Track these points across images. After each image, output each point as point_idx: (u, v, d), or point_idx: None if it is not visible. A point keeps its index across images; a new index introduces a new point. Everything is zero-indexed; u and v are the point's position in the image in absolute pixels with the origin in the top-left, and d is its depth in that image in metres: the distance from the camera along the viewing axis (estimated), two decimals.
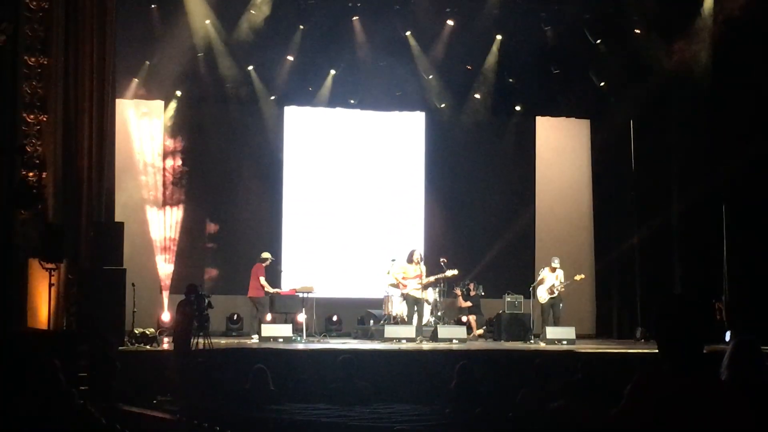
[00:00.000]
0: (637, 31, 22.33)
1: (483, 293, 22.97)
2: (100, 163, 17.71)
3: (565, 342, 20.10)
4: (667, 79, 22.01)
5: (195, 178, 23.67)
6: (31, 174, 16.62)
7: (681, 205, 22.57)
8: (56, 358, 9.65)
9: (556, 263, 21.22)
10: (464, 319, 22.51)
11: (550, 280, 21.05)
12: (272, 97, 24.17)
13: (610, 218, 25.16)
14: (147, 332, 18.03)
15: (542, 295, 21.06)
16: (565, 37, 22.96)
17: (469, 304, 22.69)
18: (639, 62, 22.54)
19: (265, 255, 20.88)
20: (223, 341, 19.22)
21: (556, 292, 20.93)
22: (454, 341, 19.86)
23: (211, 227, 23.77)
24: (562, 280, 20.99)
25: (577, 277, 21.25)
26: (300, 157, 24.98)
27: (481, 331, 22.45)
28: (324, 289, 22.01)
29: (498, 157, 25.43)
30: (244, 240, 23.40)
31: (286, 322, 20.78)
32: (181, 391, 13.95)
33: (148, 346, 17.51)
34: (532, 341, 20.75)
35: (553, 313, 21.00)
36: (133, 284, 18.28)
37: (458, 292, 22.85)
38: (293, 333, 19.88)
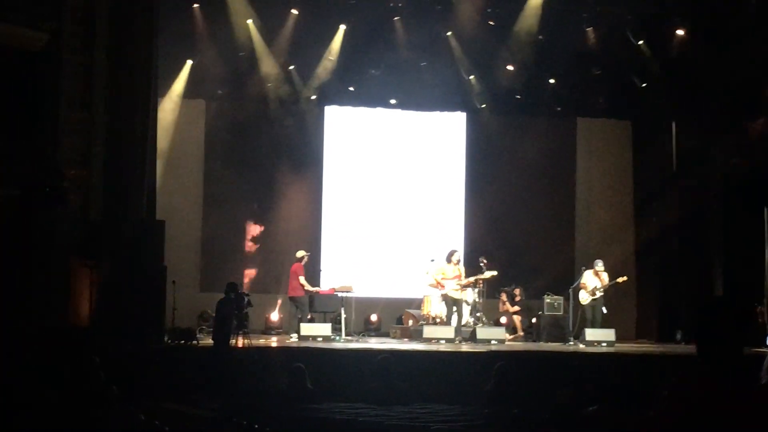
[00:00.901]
0: (679, 32, 22.18)
1: (523, 297, 22.91)
2: (142, 162, 17.83)
3: (604, 344, 19.97)
4: (709, 81, 21.87)
5: (236, 177, 23.75)
6: (73, 172, 16.76)
7: (723, 207, 22.37)
8: (96, 355, 9.73)
9: (599, 266, 21.06)
10: (503, 320, 22.44)
11: (592, 283, 20.92)
12: (313, 97, 24.22)
13: (651, 220, 24.97)
14: (187, 330, 18.13)
15: (584, 296, 20.95)
16: (606, 37, 22.84)
17: (517, 308, 22.62)
18: (681, 63, 22.38)
19: (300, 253, 20.83)
20: (262, 340, 19.32)
21: (598, 294, 20.81)
22: (493, 342, 19.81)
23: (252, 226, 23.86)
24: (607, 281, 20.87)
25: (620, 280, 21.10)
26: (340, 157, 25.04)
27: (521, 333, 22.39)
28: (363, 289, 22.05)
29: (538, 158, 25.27)
30: (284, 239, 23.45)
31: (325, 321, 20.82)
32: (219, 389, 14.00)
33: (187, 344, 17.60)
34: (571, 343, 20.64)
35: (593, 315, 20.87)
36: (173, 282, 18.39)
37: (504, 297, 22.80)
38: (332, 332, 19.92)
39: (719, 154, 22.43)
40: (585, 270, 21.28)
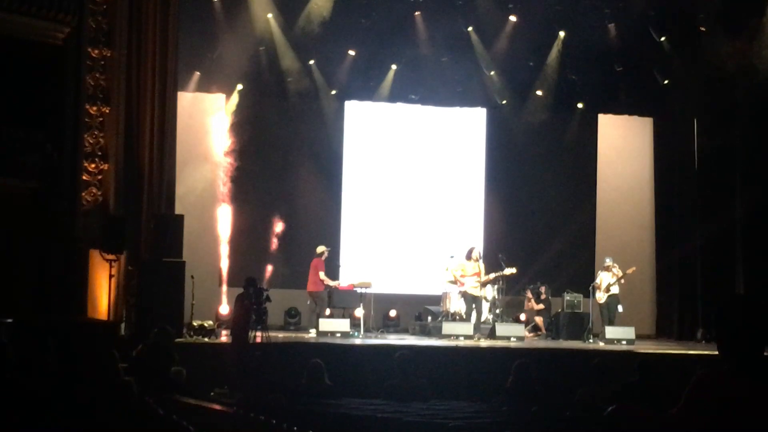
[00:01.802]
0: (702, 28, 22.06)
1: (549, 295, 22.77)
2: (161, 156, 17.87)
3: (624, 342, 19.93)
4: (732, 78, 21.75)
5: (255, 171, 23.72)
6: (92, 166, 16.83)
7: (744, 204, 22.23)
8: (115, 349, 9.72)
9: (609, 262, 21.15)
10: (522, 317, 22.36)
11: (606, 280, 20.93)
12: (333, 92, 24.19)
13: (671, 217, 24.88)
14: (205, 324, 18.16)
15: (599, 295, 20.96)
16: (628, 34, 22.76)
17: (541, 306, 22.50)
18: (703, 60, 22.25)
19: (320, 249, 20.86)
20: (280, 335, 19.31)
21: (612, 290, 20.80)
22: (512, 339, 19.77)
23: (271, 221, 23.76)
24: (619, 275, 20.85)
25: (629, 270, 21.06)
26: (360, 152, 25.00)
27: (543, 331, 22.30)
28: (382, 285, 22.04)
29: (559, 155, 25.24)
30: (303, 234, 23.38)
31: (343, 317, 20.77)
32: (238, 384, 13.99)
33: (206, 339, 17.64)
34: (590, 340, 20.60)
35: (609, 312, 20.85)
36: (192, 276, 18.39)
37: (529, 295, 22.72)
38: (351, 328, 19.88)
39: (740, 151, 22.31)
40: (600, 271, 21.37)
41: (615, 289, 20.89)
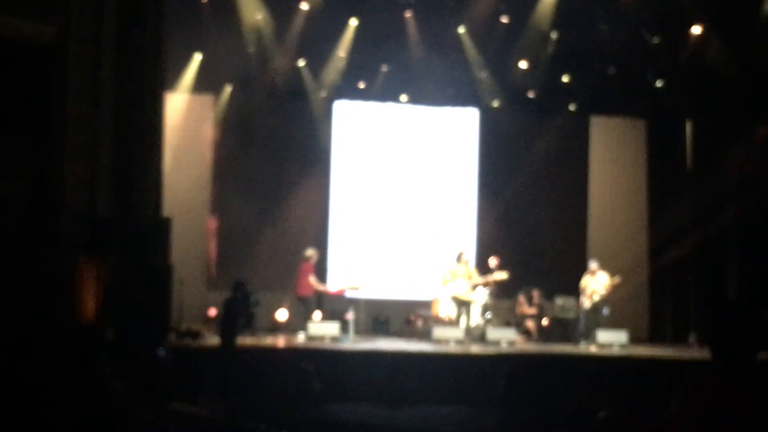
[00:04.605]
0: (695, 30, 22.01)
1: (541, 299, 22.67)
2: (149, 158, 17.76)
3: (616, 346, 19.87)
4: (726, 80, 21.72)
5: (244, 172, 23.69)
6: (79, 168, 16.69)
7: (739, 208, 22.20)
8: (102, 354, 9.59)
9: (594, 266, 21.10)
10: (513, 321, 22.31)
11: (591, 285, 20.88)
12: (323, 93, 24.13)
13: (665, 220, 24.79)
14: (193, 329, 18.07)
15: (583, 300, 20.92)
16: (621, 35, 22.67)
17: (533, 311, 22.40)
18: (697, 62, 22.21)
19: (310, 252, 20.73)
20: (269, 339, 19.22)
21: (597, 298, 20.75)
22: (503, 343, 19.70)
23: (260, 224, 23.72)
24: (606, 284, 20.80)
25: (615, 281, 20.97)
26: (350, 153, 24.91)
27: (534, 335, 22.20)
28: (372, 289, 21.94)
29: (551, 157, 25.14)
30: (292, 237, 23.33)
31: (333, 321, 20.67)
32: (225, 389, 13.91)
33: (194, 343, 17.52)
34: (582, 344, 20.54)
35: (597, 317, 20.81)
36: (180, 281, 18.28)
37: (521, 299, 22.62)
38: (340, 332, 19.79)
39: (735, 154, 22.27)
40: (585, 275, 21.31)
41: (597, 296, 20.84)
